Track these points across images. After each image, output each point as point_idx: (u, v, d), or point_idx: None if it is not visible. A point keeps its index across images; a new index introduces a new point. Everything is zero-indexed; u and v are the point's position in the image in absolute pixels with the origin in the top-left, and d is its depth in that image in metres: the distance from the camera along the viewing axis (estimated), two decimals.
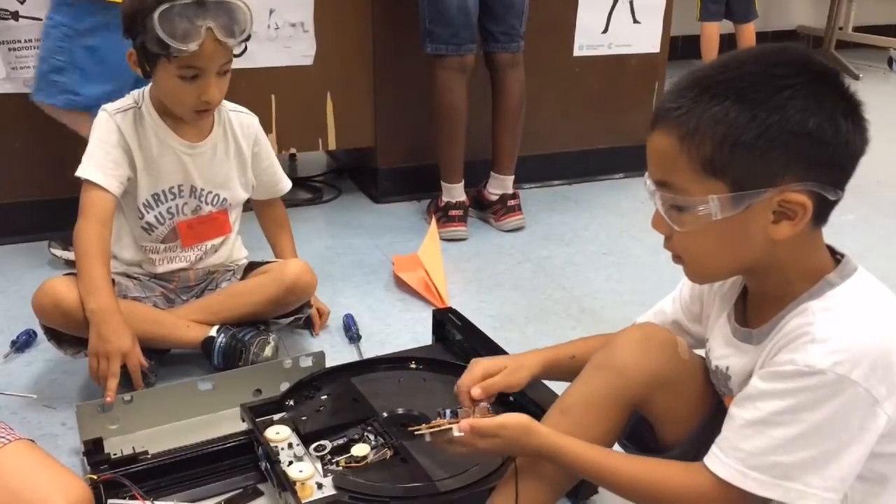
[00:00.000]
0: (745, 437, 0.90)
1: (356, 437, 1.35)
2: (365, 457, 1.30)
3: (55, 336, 1.63)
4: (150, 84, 1.65)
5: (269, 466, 1.28)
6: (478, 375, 1.21)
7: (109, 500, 1.23)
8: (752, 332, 0.98)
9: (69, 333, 1.60)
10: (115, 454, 1.35)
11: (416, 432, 1.13)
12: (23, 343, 1.82)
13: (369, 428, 1.37)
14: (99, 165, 1.59)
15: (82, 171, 1.59)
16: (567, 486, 1.12)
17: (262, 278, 1.75)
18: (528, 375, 1.23)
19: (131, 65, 1.58)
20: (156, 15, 1.46)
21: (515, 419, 1.04)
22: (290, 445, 1.33)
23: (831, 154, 0.86)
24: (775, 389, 0.88)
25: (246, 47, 1.60)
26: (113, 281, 1.61)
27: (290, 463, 1.28)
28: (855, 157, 0.88)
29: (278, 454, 1.30)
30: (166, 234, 1.71)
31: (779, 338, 0.91)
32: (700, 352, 1.14)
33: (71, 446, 1.47)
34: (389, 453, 1.31)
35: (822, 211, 0.89)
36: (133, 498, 1.23)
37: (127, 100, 1.66)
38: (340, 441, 1.33)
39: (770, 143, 0.85)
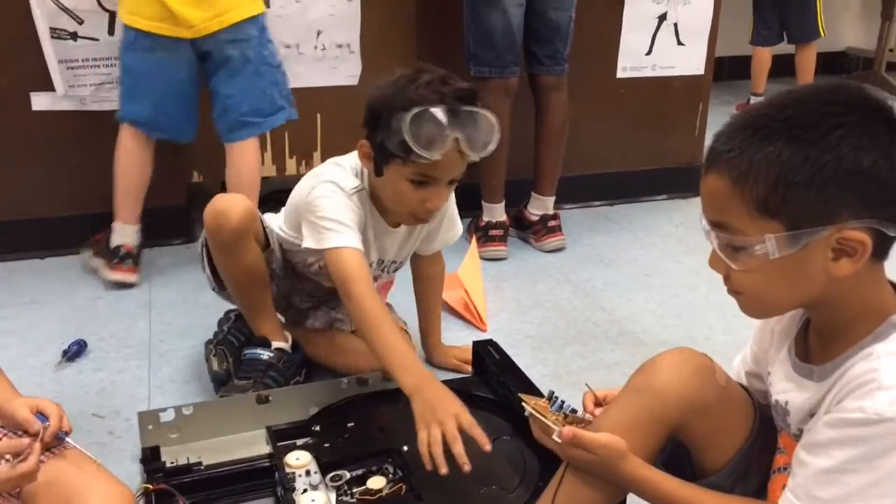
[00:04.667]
0: (820, 485, 0.89)
1: (374, 468, 1.33)
2: (380, 490, 1.28)
3: (214, 273, 1.71)
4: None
5: (282, 493, 1.28)
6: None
7: None
8: (813, 369, 0.97)
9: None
10: (171, 463, 1.38)
11: (523, 402, 1.11)
12: (74, 353, 1.87)
13: (389, 460, 1.35)
14: (354, 232, 1.50)
15: (340, 241, 1.48)
16: None
17: (361, 358, 1.69)
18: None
19: (360, 157, 1.53)
20: (407, 117, 1.37)
21: (617, 442, 1.03)
22: (307, 472, 1.32)
23: (889, 191, 0.85)
24: (846, 437, 0.87)
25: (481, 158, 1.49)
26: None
27: (305, 491, 1.28)
28: None
29: (294, 481, 1.30)
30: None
31: (844, 382, 0.90)
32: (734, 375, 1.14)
33: (117, 455, 1.50)
34: (404, 488, 1.29)
35: (883, 246, 0.88)
36: None
37: (353, 179, 1.56)
38: (359, 472, 1.32)
39: (824, 183, 0.84)
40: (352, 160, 1.59)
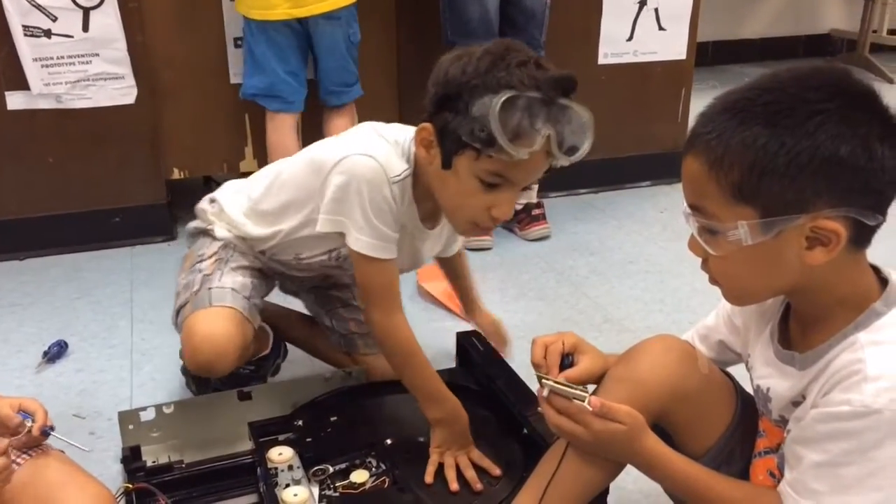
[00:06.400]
0: (817, 478, 0.89)
1: (358, 462, 1.33)
2: (363, 484, 1.28)
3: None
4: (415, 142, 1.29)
5: (264, 489, 1.27)
6: (559, 350, 1.13)
7: None
8: (794, 356, 0.96)
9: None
10: (152, 462, 1.36)
11: (543, 380, 1.05)
12: (54, 354, 1.85)
13: (373, 453, 1.34)
14: (387, 238, 1.30)
15: (373, 250, 1.29)
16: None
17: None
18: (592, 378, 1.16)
19: (417, 143, 1.26)
20: (497, 102, 1.11)
21: (639, 414, 1.02)
22: (290, 468, 1.31)
23: (866, 180, 0.83)
24: (837, 431, 0.87)
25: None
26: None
27: (288, 486, 1.27)
28: (894, 181, 0.85)
29: (276, 476, 1.29)
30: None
31: (829, 374, 0.89)
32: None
33: (99, 456, 1.49)
34: (388, 481, 1.29)
35: (861, 235, 0.86)
36: None
37: (401, 162, 1.30)
38: (342, 466, 1.32)
39: (800, 171, 0.83)
40: (400, 134, 1.34)
